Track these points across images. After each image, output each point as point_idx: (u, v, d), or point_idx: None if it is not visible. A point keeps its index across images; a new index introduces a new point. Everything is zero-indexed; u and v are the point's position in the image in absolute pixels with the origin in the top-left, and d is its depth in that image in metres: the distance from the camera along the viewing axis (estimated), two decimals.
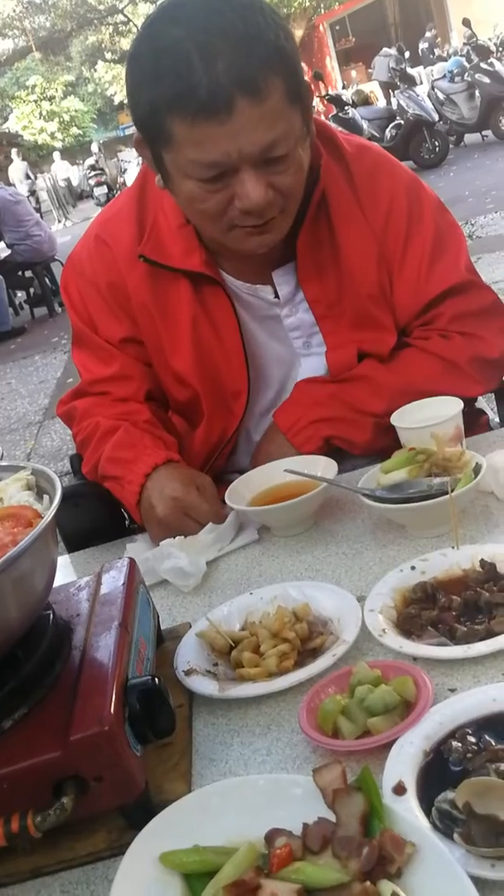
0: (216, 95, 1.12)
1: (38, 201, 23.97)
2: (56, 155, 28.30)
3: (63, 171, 27.30)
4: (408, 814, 0.71)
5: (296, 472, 1.25)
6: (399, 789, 0.74)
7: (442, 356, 1.46)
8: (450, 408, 1.29)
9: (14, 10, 30.93)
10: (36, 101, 36.27)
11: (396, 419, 1.31)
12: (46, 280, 10.28)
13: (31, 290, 10.57)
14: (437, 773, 0.76)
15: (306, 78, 1.26)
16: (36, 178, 25.42)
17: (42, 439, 5.72)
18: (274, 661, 0.96)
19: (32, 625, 0.87)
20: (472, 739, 0.77)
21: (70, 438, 5.37)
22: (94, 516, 1.54)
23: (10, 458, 5.45)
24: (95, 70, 40.30)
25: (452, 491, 1.09)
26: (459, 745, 0.77)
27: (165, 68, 1.15)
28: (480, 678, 0.88)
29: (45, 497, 0.92)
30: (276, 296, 1.48)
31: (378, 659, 0.94)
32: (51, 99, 36.78)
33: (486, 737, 0.77)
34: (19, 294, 10.95)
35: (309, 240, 1.42)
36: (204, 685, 0.96)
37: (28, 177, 24.90)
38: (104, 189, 24.81)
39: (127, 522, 1.52)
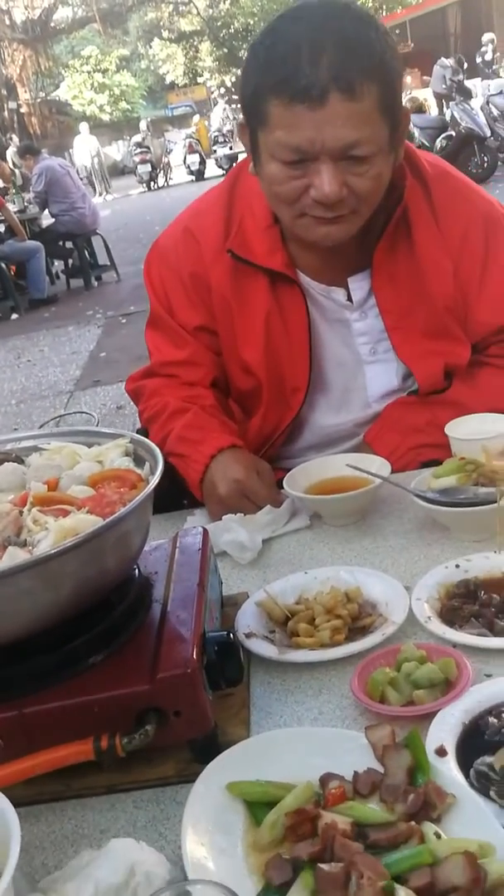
0: (314, 85, 1.25)
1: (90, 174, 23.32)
2: (83, 127, 25.37)
3: (90, 144, 24.50)
4: (449, 771, 0.82)
5: (357, 467, 1.36)
6: (441, 751, 0.85)
7: None
8: (500, 425, 1.39)
9: None
10: (89, 73, 36.36)
11: (450, 430, 1.41)
12: (86, 253, 10.41)
13: (70, 262, 10.71)
14: (475, 742, 0.87)
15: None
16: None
17: (72, 409, 5.83)
18: (328, 633, 1.07)
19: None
20: None
21: (97, 411, 5.49)
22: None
23: (37, 425, 5.58)
24: (151, 47, 40.41)
25: (500, 500, 1.20)
26: (495, 720, 0.88)
27: (277, 56, 1.29)
28: None
29: (146, 464, 1.03)
30: (349, 299, 1.58)
31: (422, 641, 1.04)
32: (104, 72, 36.87)
33: None
34: (56, 263, 11.09)
35: (386, 251, 1.52)
36: (263, 648, 1.07)
37: (95, 157, 23.79)
38: (148, 167, 24.87)
39: (186, 502, 1.63)
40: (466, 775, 0.83)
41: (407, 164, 1.52)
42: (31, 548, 0.89)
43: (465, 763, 0.84)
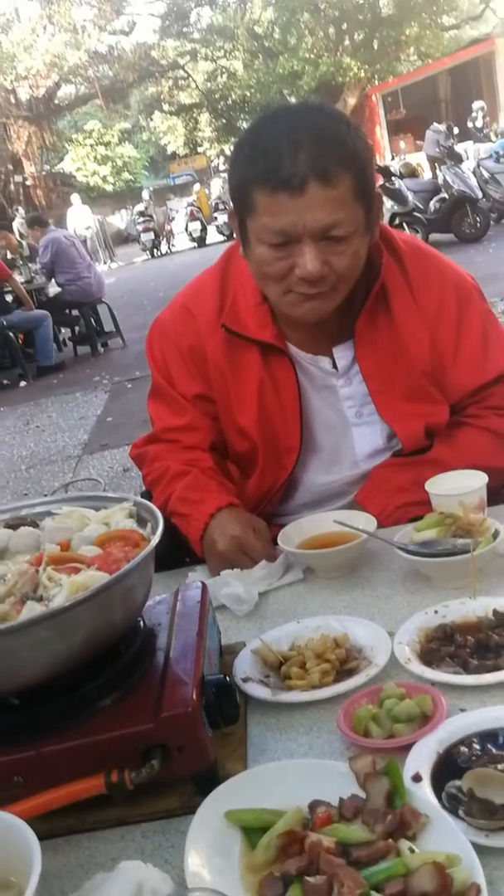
0: (294, 176, 1.40)
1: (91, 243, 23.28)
2: (74, 198, 24.38)
3: (84, 216, 23.41)
4: (424, 795, 0.92)
5: (343, 523, 1.47)
6: (416, 777, 0.95)
7: (496, 431, 1.70)
8: (476, 481, 1.50)
9: (80, 60, 32.20)
10: (92, 146, 37.47)
11: (430, 486, 1.53)
12: (92, 320, 10.67)
13: (77, 329, 10.98)
14: (447, 768, 0.96)
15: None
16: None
17: (80, 473, 5.96)
18: (317, 675, 1.17)
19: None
20: (477, 746, 0.98)
21: (104, 474, 5.60)
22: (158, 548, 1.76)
23: (49, 490, 5.70)
24: (152, 119, 41.70)
25: (474, 551, 1.30)
26: (466, 749, 0.98)
27: (260, 152, 1.44)
28: (486, 702, 1.08)
29: (149, 525, 1.14)
30: (335, 367, 1.71)
31: (403, 681, 1.14)
32: (106, 144, 37.99)
33: (489, 745, 0.97)
34: (63, 331, 11.36)
35: (367, 322, 1.66)
36: (258, 691, 1.17)
37: (88, 228, 23.29)
38: (151, 235, 25.45)
39: (188, 560, 1.74)
40: (439, 798, 0.92)
41: (383, 243, 1.67)
42: (46, 602, 1.00)
43: (438, 787, 0.94)
